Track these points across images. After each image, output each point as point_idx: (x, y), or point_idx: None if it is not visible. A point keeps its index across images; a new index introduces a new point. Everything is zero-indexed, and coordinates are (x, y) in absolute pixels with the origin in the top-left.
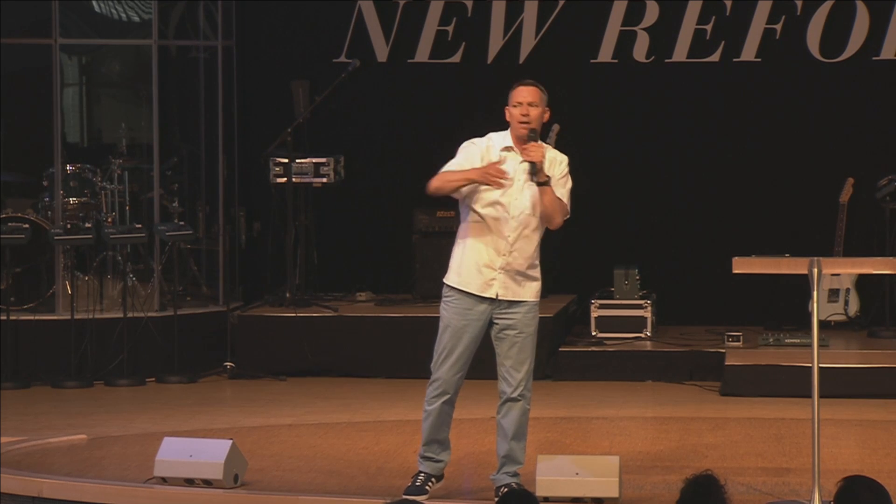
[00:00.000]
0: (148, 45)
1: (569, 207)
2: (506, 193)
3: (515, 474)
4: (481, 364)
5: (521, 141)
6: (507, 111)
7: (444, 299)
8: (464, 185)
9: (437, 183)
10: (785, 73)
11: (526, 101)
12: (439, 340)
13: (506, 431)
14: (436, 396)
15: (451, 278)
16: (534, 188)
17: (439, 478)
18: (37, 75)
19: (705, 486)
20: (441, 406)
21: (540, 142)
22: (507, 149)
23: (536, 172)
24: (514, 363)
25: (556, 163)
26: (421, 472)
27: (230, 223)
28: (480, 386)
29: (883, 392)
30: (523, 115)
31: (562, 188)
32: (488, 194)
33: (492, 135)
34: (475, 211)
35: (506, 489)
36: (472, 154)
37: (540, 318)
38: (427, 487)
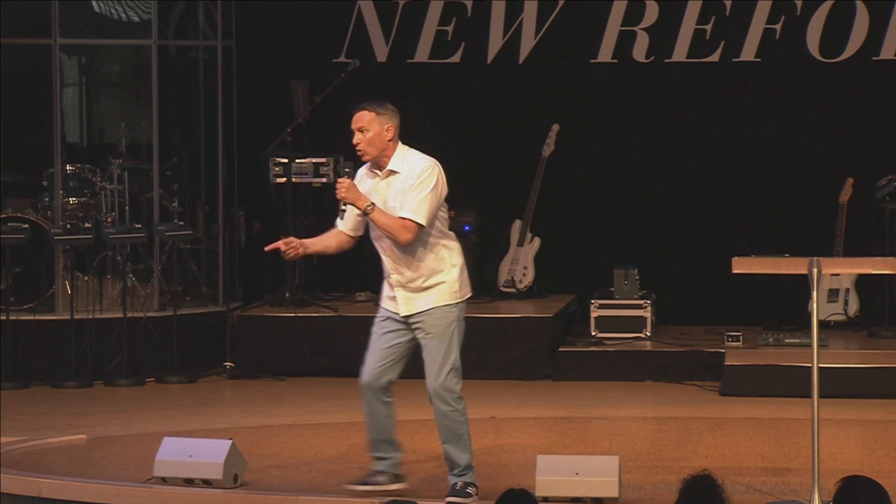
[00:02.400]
0: (148, 45)
1: (423, 216)
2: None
3: (461, 474)
4: (475, 364)
5: (373, 165)
6: None
7: None
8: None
9: None
10: (785, 73)
11: (356, 127)
12: None
13: (439, 434)
14: (362, 396)
15: None
16: (392, 205)
17: (394, 476)
18: (37, 75)
19: (703, 487)
20: (368, 405)
21: (344, 178)
22: (371, 172)
23: (349, 205)
24: (427, 366)
25: (411, 175)
26: (374, 469)
27: (230, 223)
28: (480, 386)
29: (883, 392)
30: (355, 144)
31: (410, 197)
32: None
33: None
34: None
35: (456, 487)
36: None
37: (539, 318)
38: (374, 479)
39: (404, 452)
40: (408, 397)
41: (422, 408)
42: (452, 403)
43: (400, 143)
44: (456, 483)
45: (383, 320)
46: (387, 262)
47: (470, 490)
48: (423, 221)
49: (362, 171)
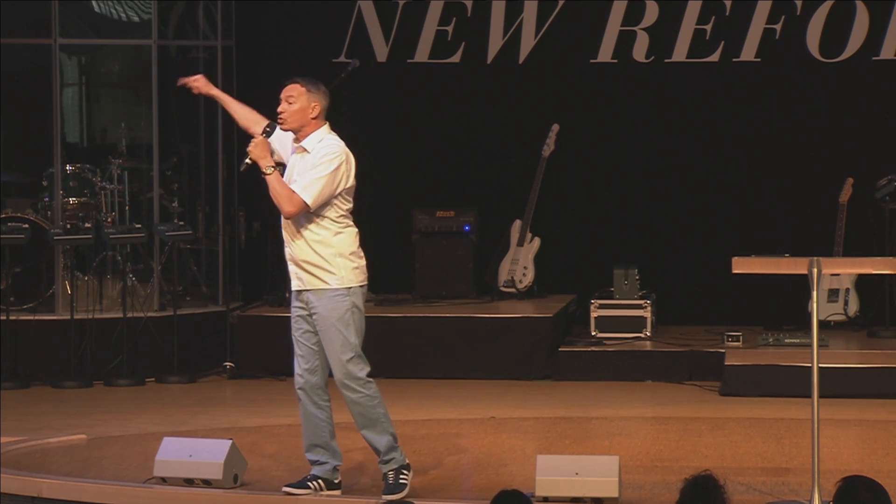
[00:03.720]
0: (148, 45)
1: (310, 195)
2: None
3: (387, 460)
4: (475, 364)
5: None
6: None
7: None
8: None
9: None
10: (785, 73)
11: (284, 96)
12: None
13: (354, 422)
14: (298, 399)
15: None
16: (294, 179)
17: (329, 483)
18: (37, 75)
19: (704, 487)
20: (303, 409)
21: (262, 137)
22: (293, 143)
23: (255, 163)
24: (329, 356)
25: (317, 156)
26: (310, 473)
27: (230, 223)
28: (480, 386)
29: (883, 392)
30: (279, 112)
31: (307, 175)
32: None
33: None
34: None
35: (389, 480)
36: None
37: (539, 318)
38: (309, 484)
39: (340, 462)
40: (408, 398)
41: (422, 407)
42: (360, 389)
43: (326, 126)
44: (388, 475)
45: (298, 316)
46: (286, 232)
47: (402, 479)
48: (308, 200)
49: (289, 138)
